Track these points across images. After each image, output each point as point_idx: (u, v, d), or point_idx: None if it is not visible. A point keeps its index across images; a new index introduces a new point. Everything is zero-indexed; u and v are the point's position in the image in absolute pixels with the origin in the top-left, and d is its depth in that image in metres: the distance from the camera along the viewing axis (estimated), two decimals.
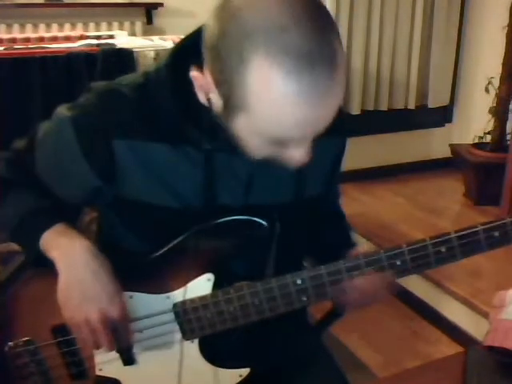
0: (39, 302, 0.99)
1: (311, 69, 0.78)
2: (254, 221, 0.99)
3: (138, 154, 0.97)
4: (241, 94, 0.81)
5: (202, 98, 0.91)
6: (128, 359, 1.05)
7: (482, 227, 0.93)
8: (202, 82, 0.88)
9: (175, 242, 1.01)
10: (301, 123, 0.82)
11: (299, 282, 0.97)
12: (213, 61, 0.83)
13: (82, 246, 0.98)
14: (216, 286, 1.01)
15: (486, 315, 2.17)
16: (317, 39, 0.78)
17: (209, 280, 1.01)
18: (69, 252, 0.98)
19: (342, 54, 0.82)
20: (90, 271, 0.96)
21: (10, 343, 1.06)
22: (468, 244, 0.94)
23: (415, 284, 2.70)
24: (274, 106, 0.80)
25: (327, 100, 0.81)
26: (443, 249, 0.94)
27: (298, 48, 0.77)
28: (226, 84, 0.82)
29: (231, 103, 0.83)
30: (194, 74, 0.89)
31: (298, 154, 0.89)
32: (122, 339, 1.01)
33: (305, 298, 0.98)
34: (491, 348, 1.02)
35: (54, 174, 1.05)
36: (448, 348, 2.43)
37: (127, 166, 0.97)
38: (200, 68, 0.88)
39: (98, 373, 1.06)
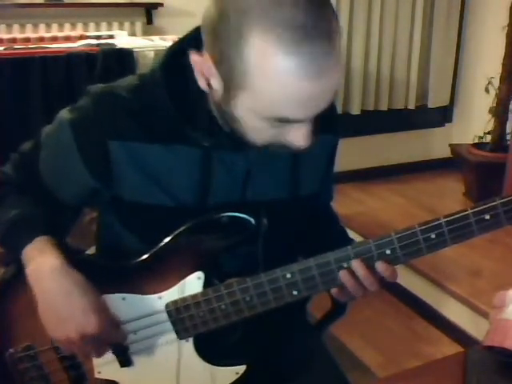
0: (37, 307, 0.99)
1: (308, 41, 0.79)
2: (241, 217, 0.99)
3: (132, 155, 0.97)
4: (241, 72, 0.82)
5: (202, 84, 0.91)
6: (124, 361, 1.05)
7: (472, 210, 0.90)
8: (203, 66, 0.88)
9: (164, 242, 1.01)
10: (301, 98, 0.82)
11: (289, 275, 0.96)
12: (212, 42, 0.84)
13: (51, 267, 0.97)
14: (207, 283, 1.01)
15: (486, 315, 2.17)
16: (312, 13, 0.79)
17: (199, 278, 1.01)
18: (38, 273, 0.98)
19: (338, 29, 0.83)
20: (60, 292, 0.96)
21: (10, 349, 1.06)
22: (458, 229, 0.91)
23: (415, 284, 2.70)
24: (274, 80, 0.81)
25: (326, 74, 0.81)
26: (433, 235, 0.92)
27: (295, 21, 0.78)
28: (227, 63, 0.83)
29: (232, 83, 0.84)
30: (194, 58, 0.89)
31: (299, 136, 0.89)
32: (114, 344, 1.02)
33: (295, 292, 0.97)
34: (491, 348, 1.02)
35: (54, 175, 1.06)
36: (448, 348, 2.43)
37: (122, 166, 0.98)
38: (200, 54, 0.88)
39: (96, 375, 1.06)
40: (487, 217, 0.90)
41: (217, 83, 0.87)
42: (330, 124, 1.08)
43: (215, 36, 0.83)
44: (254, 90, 0.83)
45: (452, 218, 0.91)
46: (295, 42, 0.78)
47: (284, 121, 0.86)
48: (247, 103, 0.85)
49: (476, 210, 0.90)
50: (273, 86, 0.81)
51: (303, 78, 0.80)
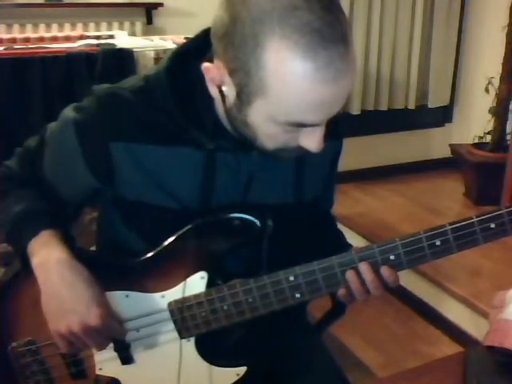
0: (40, 302, 0.99)
1: (325, 46, 0.79)
2: (246, 219, 1.00)
3: (135, 157, 0.97)
4: (258, 79, 0.82)
5: (213, 92, 0.91)
6: (126, 358, 1.05)
7: (477, 219, 0.90)
8: (214, 73, 0.88)
9: (169, 241, 1.01)
10: (317, 102, 0.83)
11: (292, 278, 0.97)
12: (225, 50, 0.84)
13: (57, 259, 0.98)
14: (210, 284, 1.01)
15: (486, 315, 2.17)
16: (328, 18, 0.80)
17: (202, 278, 1.01)
18: (44, 265, 0.98)
19: (351, 32, 0.84)
20: (64, 284, 0.97)
21: (13, 343, 1.07)
22: (463, 236, 0.91)
23: (415, 284, 2.70)
24: (291, 85, 0.81)
25: (342, 77, 0.82)
26: (438, 242, 0.92)
27: (311, 26, 0.79)
28: (242, 71, 0.83)
29: (247, 90, 0.84)
30: (205, 65, 0.89)
31: (313, 141, 0.89)
32: (114, 338, 1.02)
33: (298, 295, 0.97)
34: (491, 348, 1.02)
35: (57, 174, 1.07)
36: (448, 348, 2.43)
37: (125, 168, 0.98)
38: (210, 61, 0.88)
39: (97, 372, 1.07)
40: (493, 225, 0.90)
41: (229, 90, 0.87)
42: (335, 129, 1.08)
43: (229, 43, 0.83)
44: (270, 96, 0.83)
45: (458, 225, 0.91)
46: (312, 47, 0.79)
47: (299, 125, 0.87)
48: (262, 109, 0.85)
49: (482, 218, 0.90)
50: (290, 91, 0.82)
51: (320, 81, 0.81)
